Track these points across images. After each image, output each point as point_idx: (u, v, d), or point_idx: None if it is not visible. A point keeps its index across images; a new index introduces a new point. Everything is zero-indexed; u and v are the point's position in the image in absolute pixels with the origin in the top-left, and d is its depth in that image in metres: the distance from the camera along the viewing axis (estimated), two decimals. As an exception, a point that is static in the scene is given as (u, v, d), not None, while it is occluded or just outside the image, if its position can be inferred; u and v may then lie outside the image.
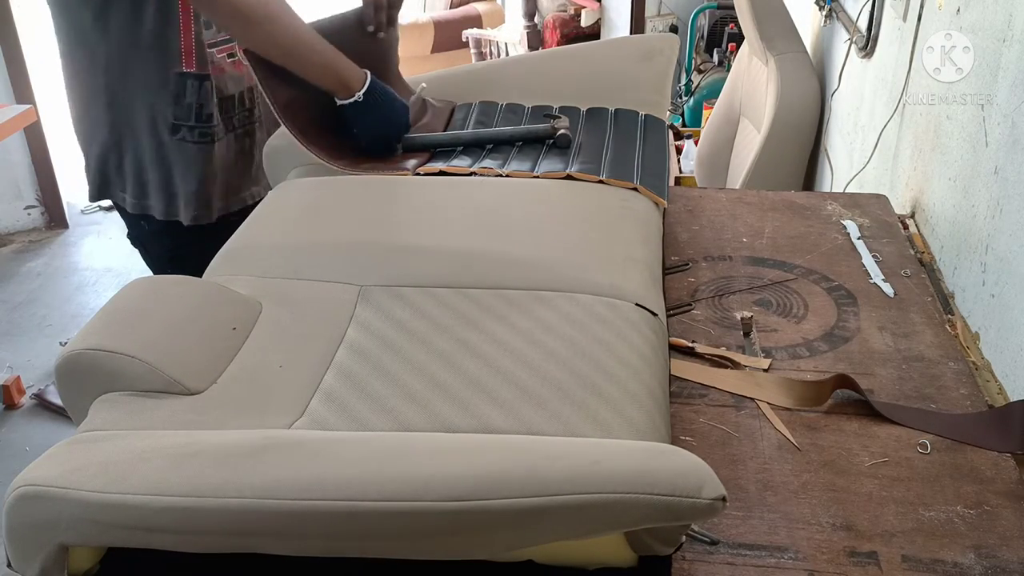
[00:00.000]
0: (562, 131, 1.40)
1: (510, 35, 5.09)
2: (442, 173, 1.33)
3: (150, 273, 1.58)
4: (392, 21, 1.45)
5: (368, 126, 1.37)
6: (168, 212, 1.51)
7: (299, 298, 1.06)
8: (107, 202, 1.96)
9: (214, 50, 1.46)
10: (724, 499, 0.67)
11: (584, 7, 4.86)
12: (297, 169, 1.41)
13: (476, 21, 5.28)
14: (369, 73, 1.36)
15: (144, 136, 1.46)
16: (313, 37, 1.32)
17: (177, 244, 1.53)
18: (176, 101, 1.44)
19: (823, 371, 1.10)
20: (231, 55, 1.49)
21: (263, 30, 1.28)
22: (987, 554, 0.84)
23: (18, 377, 2.75)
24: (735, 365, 1.12)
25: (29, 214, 3.85)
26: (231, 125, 1.53)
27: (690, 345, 1.15)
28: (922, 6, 1.65)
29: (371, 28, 1.42)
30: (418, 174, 1.33)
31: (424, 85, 1.50)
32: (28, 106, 2.78)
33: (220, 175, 1.52)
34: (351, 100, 1.33)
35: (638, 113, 1.51)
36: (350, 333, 1.00)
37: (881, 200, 1.55)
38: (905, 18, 1.77)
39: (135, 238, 1.57)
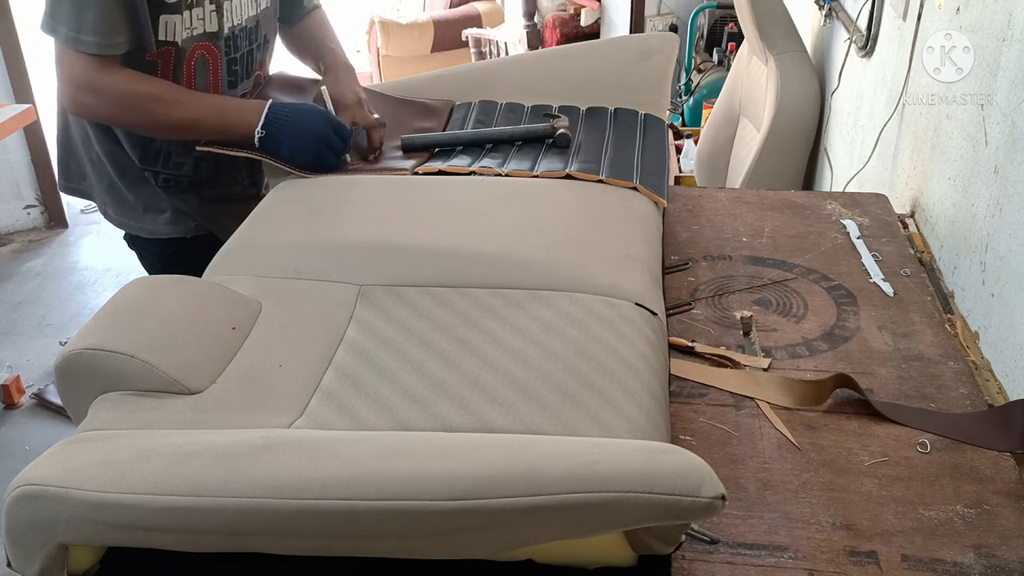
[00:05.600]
0: (561, 130, 1.40)
1: (510, 35, 5.09)
2: (441, 173, 1.33)
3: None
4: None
5: (289, 149, 1.33)
6: (152, 231, 1.47)
7: (299, 298, 1.06)
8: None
9: None
10: (724, 498, 0.67)
11: (584, 7, 4.86)
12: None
13: (476, 20, 5.28)
14: (269, 101, 1.34)
15: (113, 166, 1.44)
16: (201, 101, 1.33)
17: (168, 252, 1.49)
18: (143, 144, 1.41)
19: (823, 370, 1.10)
20: None
21: (154, 120, 1.31)
22: (987, 553, 0.84)
23: (18, 377, 2.75)
24: (735, 365, 1.12)
25: (29, 214, 3.85)
26: (220, 182, 1.49)
27: (690, 344, 1.15)
28: (922, 6, 1.65)
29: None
30: (417, 173, 1.33)
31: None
32: (28, 106, 2.78)
33: (203, 208, 1.48)
34: (257, 137, 1.32)
35: (638, 112, 1.51)
36: (350, 333, 1.00)
37: (881, 199, 1.55)
38: (905, 17, 1.77)
39: (130, 241, 1.54)
